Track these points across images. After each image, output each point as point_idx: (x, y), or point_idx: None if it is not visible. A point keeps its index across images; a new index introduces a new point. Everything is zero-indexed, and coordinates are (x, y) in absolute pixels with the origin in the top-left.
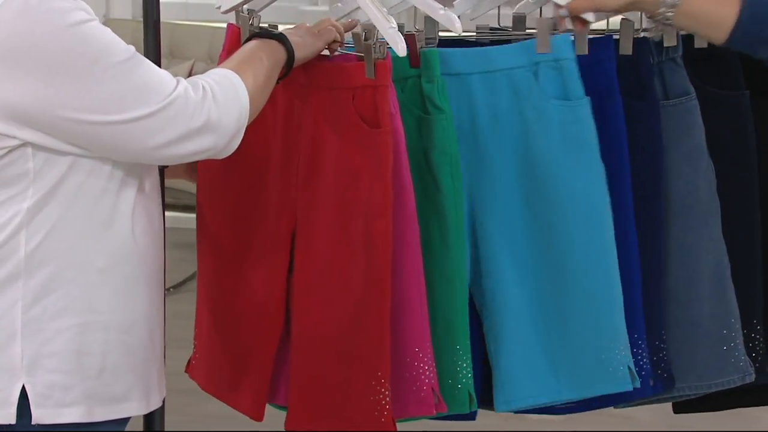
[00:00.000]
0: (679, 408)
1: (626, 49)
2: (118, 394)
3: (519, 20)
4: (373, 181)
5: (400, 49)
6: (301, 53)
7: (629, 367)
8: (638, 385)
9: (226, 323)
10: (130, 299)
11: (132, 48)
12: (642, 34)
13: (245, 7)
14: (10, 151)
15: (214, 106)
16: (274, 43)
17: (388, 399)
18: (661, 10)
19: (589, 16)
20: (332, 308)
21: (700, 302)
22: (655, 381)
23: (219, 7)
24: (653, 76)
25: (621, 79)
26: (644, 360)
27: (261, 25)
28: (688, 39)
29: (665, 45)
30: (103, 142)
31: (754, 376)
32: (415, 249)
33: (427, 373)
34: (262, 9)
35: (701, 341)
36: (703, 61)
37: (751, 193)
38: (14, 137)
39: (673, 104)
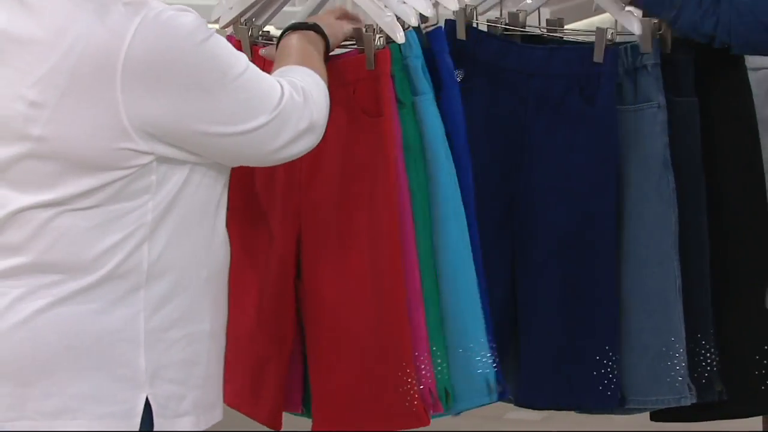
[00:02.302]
0: (655, 416)
1: (598, 57)
2: (213, 402)
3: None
4: (379, 171)
5: (399, 37)
6: (333, 39)
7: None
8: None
9: (238, 333)
10: (221, 308)
11: (245, 56)
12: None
13: (243, 18)
14: (140, 168)
15: (314, 106)
16: (311, 33)
17: (416, 387)
18: None
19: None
20: (348, 308)
21: (641, 315)
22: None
23: (217, 20)
24: (612, 84)
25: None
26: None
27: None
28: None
29: (641, 51)
30: (227, 151)
31: (690, 399)
32: (410, 246)
33: (424, 373)
34: (265, 22)
35: (641, 355)
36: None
37: (698, 201)
38: (152, 153)
39: (633, 110)
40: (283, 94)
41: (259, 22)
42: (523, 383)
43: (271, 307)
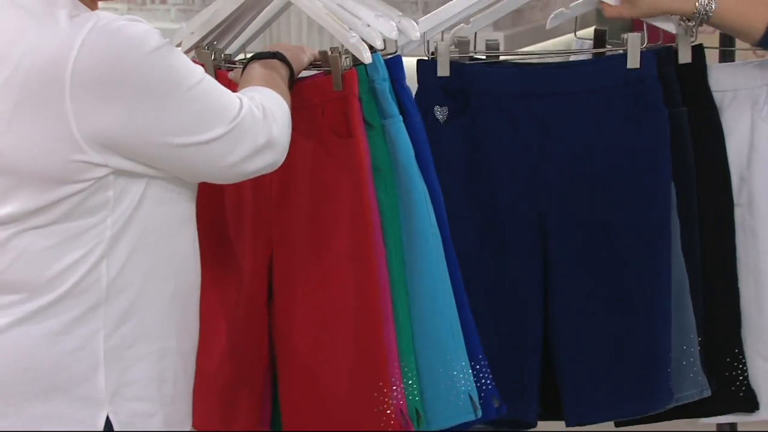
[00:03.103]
0: (620, 422)
1: (634, 63)
2: (182, 419)
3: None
4: (351, 191)
5: (366, 57)
6: (297, 65)
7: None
8: None
9: (209, 357)
10: (191, 326)
11: (201, 68)
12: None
13: (205, 42)
14: (96, 182)
15: (274, 123)
16: (275, 61)
17: (392, 407)
18: (692, 23)
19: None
20: (322, 328)
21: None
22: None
23: (179, 45)
24: (659, 86)
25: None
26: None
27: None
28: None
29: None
30: (182, 164)
31: (710, 391)
32: (382, 266)
33: (395, 395)
34: (227, 45)
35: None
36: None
37: (690, 206)
38: (106, 166)
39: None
40: (241, 107)
41: (221, 46)
42: (575, 403)
43: (243, 330)
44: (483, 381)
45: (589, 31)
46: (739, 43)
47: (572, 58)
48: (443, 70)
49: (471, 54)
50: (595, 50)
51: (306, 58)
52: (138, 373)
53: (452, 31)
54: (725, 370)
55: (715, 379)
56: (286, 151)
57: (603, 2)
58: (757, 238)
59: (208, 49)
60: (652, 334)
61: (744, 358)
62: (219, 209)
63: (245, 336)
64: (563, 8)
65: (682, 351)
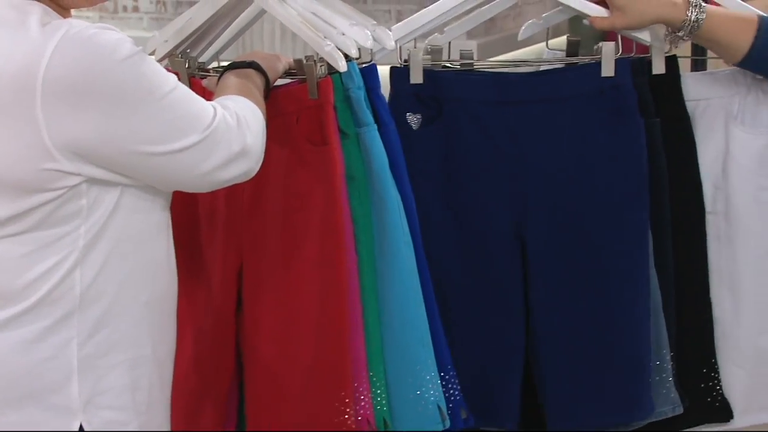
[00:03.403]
0: None
1: (608, 71)
2: (158, 427)
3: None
4: (325, 199)
5: (341, 65)
6: (272, 74)
7: None
8: None
9: (175, 365)
10: (167, 334)
11: (174, 76)
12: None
13: (179, 50)
14: (69, 190)
15: (248, 131)
16: (251, 71)
17: (353, 418)
18: (681, 33)
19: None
20: (287, 337)
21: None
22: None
23: (152, 53)
24: (634, 94)
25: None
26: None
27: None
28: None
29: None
30: (156, 173)
31: (682, 408)
32: (353, 275)
33: (362, 404)
34: (201, 53)
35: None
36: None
37: (663, 218)
38: (79, 174)
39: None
40: (215, 115)
41: (195, 54)
42: (557, 413)
43: (211, 338)
44: (451, 392)
45: (562, 41)
46: (711, 52)
47: (544, 67)
48: (416, 77)
49: (444, 62)
50: (567, 59)
51: (281, 67)
52: (112, 381)
53: (426, 40)
54: (701, 381)
55: (691, 391)
56: (261, 160)
57: (593, 17)
58: (733, 246)
59: (181, 57)
60: (633, 343)
61: (718, 368)
62: (191, 217)
63: (212, 345)
64: (535, 19)
65: (655, 366)
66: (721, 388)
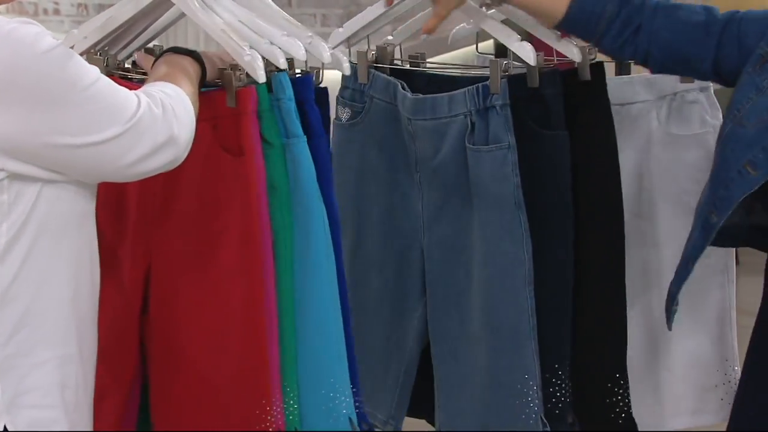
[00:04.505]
0: None
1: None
2: (86, 427)
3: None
4: (242, 209)
5: (259, 75)
6: (210, 68)
7: None
8: None
9: None
10: (90, 333)
11: (96, 68)
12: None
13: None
14: None
15: (175, 119)
16: (188, 59)
17: (273, 427)
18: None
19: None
20: (205, 345)
21: (496, 353)
22: None
23: (72, 47)
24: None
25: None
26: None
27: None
28: (520, 79)
29: (491, 91)
30: (80, 165)
31: (577, 429)
32: (269, 285)
33: (275, 414)
34: (119, 52)
35: (496, 393)
36: (531, 101)
37: (565, 230)
38: (3, 170)
39: (486, 150)
40: (139, 105)
41: (113, 52)
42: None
43: (113, 339)
44: (357, 404)
45: (490, 44)
46: None
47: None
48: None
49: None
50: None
51: (220, 64)
52: (38, 380)
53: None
54: (606, 395)
55: (593, 406)
56: (189, 148)
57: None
58: (659, 249)
59: (99, 55)
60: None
61: (627, 383)
62: (99, 214)
63: (115, 345)
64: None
65: (515, 391)
66: (627, 405)
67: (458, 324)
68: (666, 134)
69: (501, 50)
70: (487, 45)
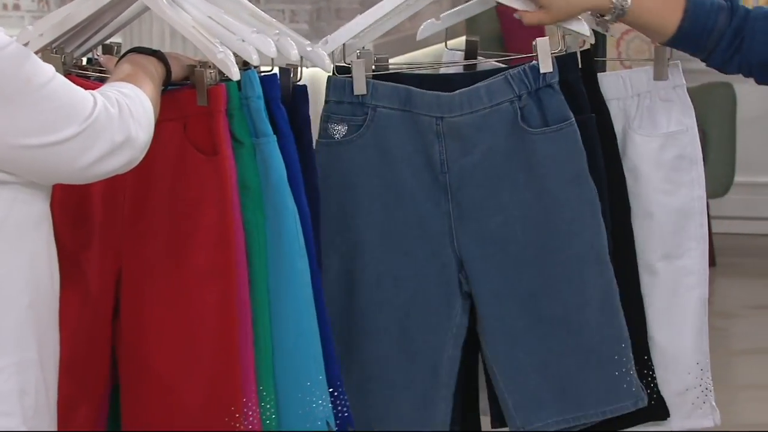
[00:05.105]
0: None
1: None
2: None
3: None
4: (215, 208)
5: (233, 73)
6: (176, 68)
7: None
8: None
9: None
10: (50, 338)
11: (51, 66)
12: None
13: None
14: None
15: (132, 120)
16: (152, 59)
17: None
18: (609, 17)
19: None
20: (176, 349)
21: (591, 328)
22: None
23: (27, 44)
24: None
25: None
26: None
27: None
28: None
29: (541, 71)
30: (36, 166)
31: (646, 400)
32: (243, 287)
33: (251, 419)
34: (76, 50)
35: (594, 368)
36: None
37: (603, 212)
38: None
39: (553, 130)
40: (95, 105)
41: (70, 49)
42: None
43: (82, 348)
44: (339, 408)
45: (460, 41)
46: (609, 54)
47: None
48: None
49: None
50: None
51: (186, 63)
52: None
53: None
54: (640, 377)
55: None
56: (146, 149)
57: (521, 11)
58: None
59: (56, 52)
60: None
61: (653, 365)
62: (61, 216)
63: (86, 351)
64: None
65: (613, 361)
66: (656, 386)
67: (524, 313)
68: (639, 134)
69: (472, 46)
70: (458, 42)
